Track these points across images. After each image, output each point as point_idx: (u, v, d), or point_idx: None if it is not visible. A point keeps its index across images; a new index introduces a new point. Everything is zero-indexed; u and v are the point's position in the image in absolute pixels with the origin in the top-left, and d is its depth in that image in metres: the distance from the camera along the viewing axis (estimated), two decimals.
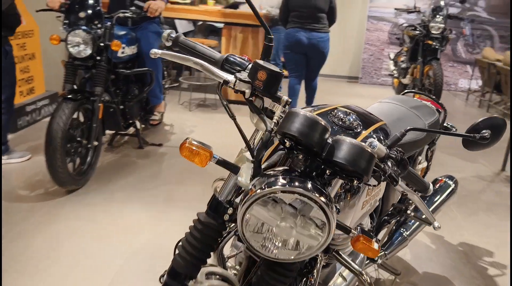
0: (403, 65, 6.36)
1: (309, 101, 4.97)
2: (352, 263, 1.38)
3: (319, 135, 0.97)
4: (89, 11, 3.02)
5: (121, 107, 3.56)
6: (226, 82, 1.04)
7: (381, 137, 1.36)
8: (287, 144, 1.00)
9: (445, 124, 2.13)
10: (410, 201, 2.01)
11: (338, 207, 1.03)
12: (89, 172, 3.12)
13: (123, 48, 3.37)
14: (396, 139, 1.16)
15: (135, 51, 3.64)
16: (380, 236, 2.10)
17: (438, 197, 2.23)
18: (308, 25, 4.41)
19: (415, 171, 1.33)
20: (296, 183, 0.97)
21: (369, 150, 0.98)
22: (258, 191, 0.97)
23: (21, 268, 2.19)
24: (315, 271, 1.27)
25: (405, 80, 6.25)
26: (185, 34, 6.21)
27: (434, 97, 2.29)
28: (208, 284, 1.17)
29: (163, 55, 1.09)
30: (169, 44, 1.18)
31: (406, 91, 2.35)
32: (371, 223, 1.71)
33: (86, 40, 2.97)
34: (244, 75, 1.07)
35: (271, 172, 1.03)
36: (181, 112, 5.23)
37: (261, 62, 1.06)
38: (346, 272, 1.58)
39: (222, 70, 1.10)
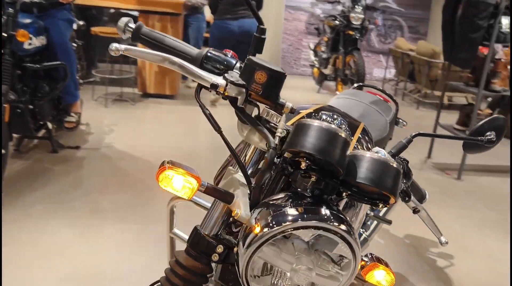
0: (324, 55, 6.38)
1: None
2: None
3: (341, 151, 0.77)
4: None
5: (30, 107, 3.08)
6: (214, 86, 0.80)
7: (368, 144, 1.20)
8: (303, 165, 0.78)
9: (396, 119, 2.04)
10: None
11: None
12: None
13: (30, 39, 2.90)
14: (402, 147, 1.00)
15: (44, 42, 3.17)
16: None
17: None
18: (240, 12, 4.25)
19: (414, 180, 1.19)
20: (313, 214, 0.77)
21: (394, 165, 0.81)
22: (266, 230, 0.75)
23: None
24: None
25: (327, 70, 6.29)
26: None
27: (384, 90, 2.20)
28: None
29: (128, 52, 0.80)
30: (126, 37, 0.90)
31: (356, 85, 2.23)
32: None
33: None
34: (235, 76, 0.83)
35: (274, 200, 0.82)
36: (97, 109, 4.77)
37: (257, 59, 0.83)
38: None
39: (202, 70, 0.86)
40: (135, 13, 5.49)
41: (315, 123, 0.78)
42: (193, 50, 0.91)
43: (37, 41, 3.04)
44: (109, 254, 2.28)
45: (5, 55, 2.63)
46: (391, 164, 0.80)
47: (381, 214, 2.07)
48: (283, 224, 0.75)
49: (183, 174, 0.80)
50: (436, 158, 4.17)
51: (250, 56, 0.84)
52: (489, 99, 5.10)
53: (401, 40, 7.27)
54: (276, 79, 0.82)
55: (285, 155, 0.81)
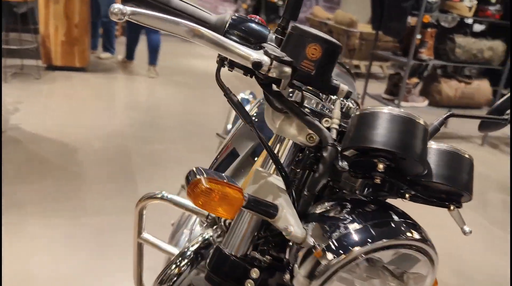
0: None
1: (152, 60, 5.04)
2: None
3: (423, 144, 0.61)
4: None
5: None
6: (257, 65, 0.58)
7: None
8: (380, 166, 0.60)
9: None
10: None
11: None
12: None
13: None
14: (434, 130, 0.86)
15: None
16: None
17: None
18: None
19: None
20: (390, 230, 0.61)
21: (467, 156, 0.67)
22: (333, 259, 0.58)
23: None
24: None
25: None
26: None
27: (340, 62, 2.08)
28: None
29: (136, 17, 0.54)
30: None
31: None
32: None
33: None
34: (277, 51, 0.61)
35: (323, 208, 0.65)
36: None
37: (305, 27, 0.62)
38: None
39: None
40: None
41: (385, 110, 0.61)
42: (209, 14, 0.67)
43: None
44: (40, 257, 1.96)
45: None
46: (465, 156, 0.66)
47: None
48: (365, 247, 0.58)
49: (221, 185, 0.57)
50: None
51: (296, 24, 0.63)
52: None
53: (318, 9, 7.27)
54: (332, 54, 0.62)
55: (346, 153, 0.63)
